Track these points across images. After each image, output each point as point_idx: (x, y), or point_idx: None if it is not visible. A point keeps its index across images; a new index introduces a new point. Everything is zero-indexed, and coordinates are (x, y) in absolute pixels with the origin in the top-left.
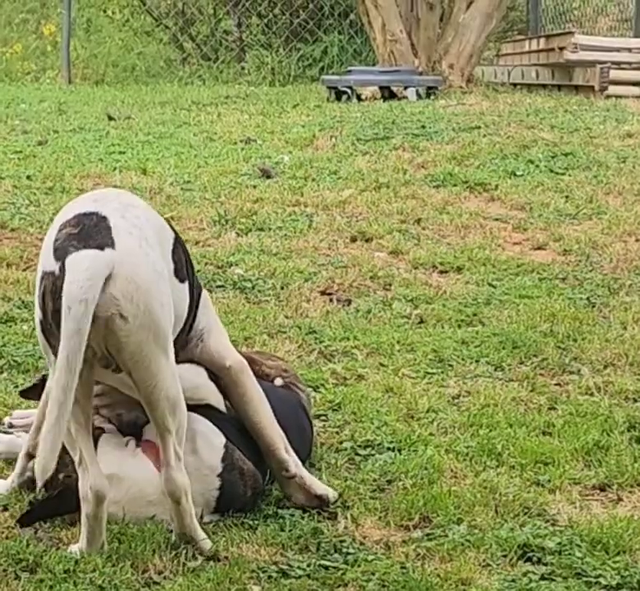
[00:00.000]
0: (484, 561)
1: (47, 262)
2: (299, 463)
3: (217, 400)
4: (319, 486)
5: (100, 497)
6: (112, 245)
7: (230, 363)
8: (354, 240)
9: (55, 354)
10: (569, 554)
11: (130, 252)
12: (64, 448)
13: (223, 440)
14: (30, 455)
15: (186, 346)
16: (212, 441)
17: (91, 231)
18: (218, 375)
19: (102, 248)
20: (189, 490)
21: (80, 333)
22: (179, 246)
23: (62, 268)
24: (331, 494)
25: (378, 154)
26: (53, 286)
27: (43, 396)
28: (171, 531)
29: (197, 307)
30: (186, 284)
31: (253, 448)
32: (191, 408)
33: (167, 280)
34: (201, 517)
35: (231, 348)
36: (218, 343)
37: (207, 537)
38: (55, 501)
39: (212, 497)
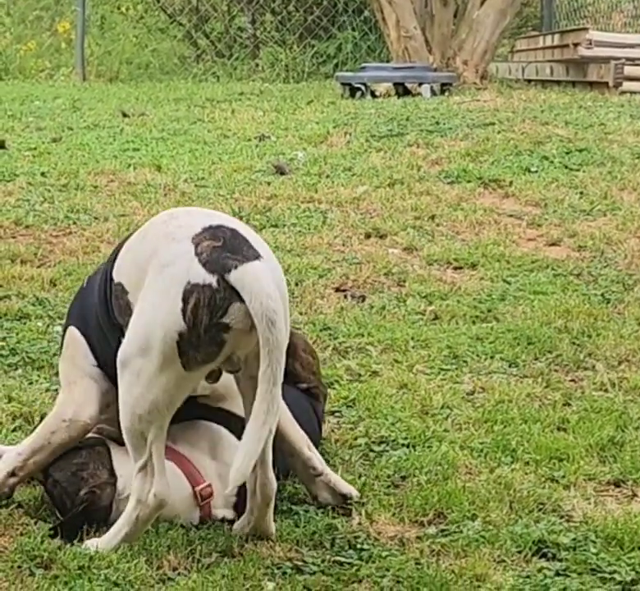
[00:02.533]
0: (499, 556)
1: (192, 274)
2: (323, 461)
3: (238, 404)
4: (344, 485)
5: (162, 504)
6: (260, 256)
7: None
8: (368, 236)
9: (187, 366)
10: (584, 550)
11: (272, 261)
12: (80, 464)
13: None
14: (12, 474)
15: None
16: (234, 446)
17: (235, 243)
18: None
19: (259, 259)
20: None
21: (284, 345)
22: None
23: (222, 281)
24: (355, 493)
25: (392, 151)
26: (211, 300)
27: (41, 428)
28: (185, 527)
29: None
30: None
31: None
32: (211, 417)
33: None
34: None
35: None
36: None
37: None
38: (80, 516)
39: (231, 501)
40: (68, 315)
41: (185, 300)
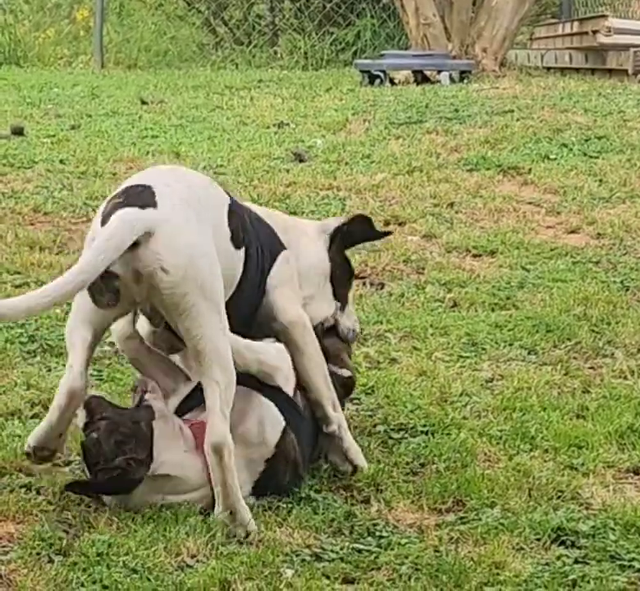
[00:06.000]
0: (517, 544)
1: (95, 229)
2: (345, 426)
3: (286, 380)
4: (356, 455)
5: (71, 395)
6: (154, 205)
7: (289, 318)
8: (387, 223)
9: (99, 304)
10: (603, 537)
11: (172, 212)
12: (126, 435)
13: (282, 425)
14: None
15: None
16: (272, 426)
17: (135, 197)
18: (275, 329)
19: (143, 207)
20: (232, 450)
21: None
22: (235, 214)
23: None
24: (366, 468)
25: (411, 138)
26: None
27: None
28: (204, 514)
29: (271, 264)
30: (242, 250)
31: (307, 435)
32: (259, 389)
33: (213, 245)
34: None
35: (295, 303)
36: (283, 297)
37: (251, 517)
38: (110, 482)
39: (254, 477)
40: None
41: None
